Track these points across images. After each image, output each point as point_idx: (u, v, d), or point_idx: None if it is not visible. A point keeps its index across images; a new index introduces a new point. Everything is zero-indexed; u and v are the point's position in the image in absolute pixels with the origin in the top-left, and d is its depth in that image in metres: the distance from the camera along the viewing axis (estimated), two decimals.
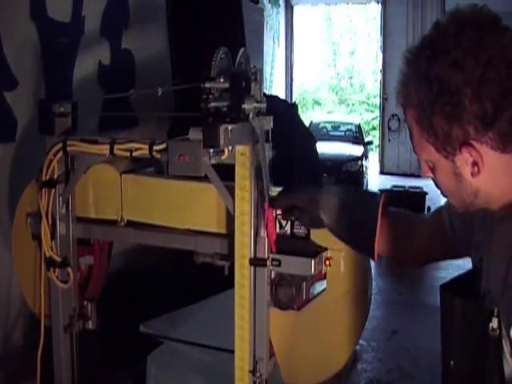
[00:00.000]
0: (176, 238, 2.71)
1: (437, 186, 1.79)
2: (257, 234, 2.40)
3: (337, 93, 34.08)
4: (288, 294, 2.48)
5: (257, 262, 2.41)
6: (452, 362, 1.83)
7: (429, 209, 10.36)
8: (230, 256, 2.51)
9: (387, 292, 8.85)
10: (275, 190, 2.44)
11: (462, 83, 1.56)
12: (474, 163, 1.62)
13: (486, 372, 1.71)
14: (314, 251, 2.46)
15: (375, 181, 17.20)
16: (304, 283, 2.50)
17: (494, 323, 1.66)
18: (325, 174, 11.83)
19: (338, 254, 2.49)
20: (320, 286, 2.56)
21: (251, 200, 2.32)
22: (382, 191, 11.17)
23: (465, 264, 1.99)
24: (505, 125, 1.57)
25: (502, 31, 1.62)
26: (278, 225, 2.49)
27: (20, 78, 3.56)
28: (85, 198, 2.87)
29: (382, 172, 20.21)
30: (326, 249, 2.48)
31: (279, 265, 2.42)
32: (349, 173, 15.27)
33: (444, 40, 1.61)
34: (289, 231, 2.50)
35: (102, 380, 3.27)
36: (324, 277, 2.54)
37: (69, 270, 2.81)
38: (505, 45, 1.59)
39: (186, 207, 2.71)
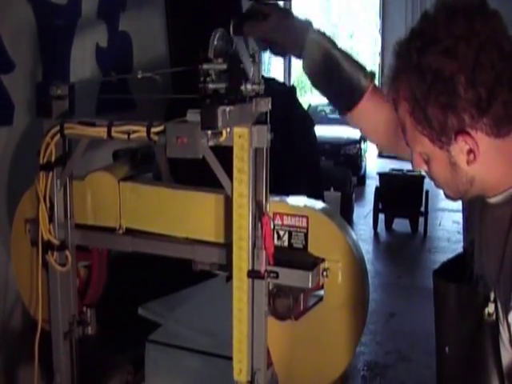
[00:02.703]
0: (174, 246, 2.72)
1: (430, 177, 1.78)
2: (255, 245, 2.41)
3: None
4: (286, 304, 2.49)
5: (255, 275, 2.42)
6: (447, 348, 1.84)
7: (427, 192, 10.36)
8: (228, 266, 2.52)
9: (385, 275, 8.87)
10: (274, 200, 2.49)
11: (455, 70, 1.55)
12: (470, 151, 1.61)
13: (482, 358, 1.72)
14: (312, 263, 2.47)
15: (373, 164, 17.21)
16: (302, 294, 2.51)
17: (491, 308, 1.67)
18: (323, 157, 11.82)
19: (335, 265, 2.50)
20: (317, 297, 2.58)
21: (249, 182, 2.32)
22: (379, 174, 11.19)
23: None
24: (499, 109, 1.56)
25: (491, 15, 1.62)
26: (275, 235, 2.50)
27: (16, 60, 3.53)
28: (83, 205, 2.87)
29: (381, 155, 20.17)
30: (323, 260, 2.49)
31: (277, 277, 2.44)
32: (347, 156, 15.28)
33: (434, 29, 1.60)
34: (286, 242, 2.52)
35: (100, 363, 3.26)
36: (321, 287, 2.54)
37: (67, 253, 2.81)
38: (495, 28, 1.59)
39: (184, 216, 2.71)
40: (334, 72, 2.12)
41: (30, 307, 3.07)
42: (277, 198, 2.59)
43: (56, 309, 2.87)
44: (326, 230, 2.51)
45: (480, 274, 1.75)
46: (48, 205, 2.74)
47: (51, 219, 2.76)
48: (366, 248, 10.31)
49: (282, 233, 2.53)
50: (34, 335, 2.83)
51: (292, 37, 2.10)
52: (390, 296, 8.06)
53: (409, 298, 7.78)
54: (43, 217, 2.73)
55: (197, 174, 2.73)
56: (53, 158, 2.69)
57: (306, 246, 2.51)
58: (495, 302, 1.65)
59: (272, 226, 2.46)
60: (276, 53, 2.18)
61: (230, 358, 2.55)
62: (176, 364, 3.28)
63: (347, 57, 2.16)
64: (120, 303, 3.31)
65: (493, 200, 1.72)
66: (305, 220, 2.50)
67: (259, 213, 2.39)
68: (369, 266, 7.62)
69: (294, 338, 2.63)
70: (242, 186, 2.33)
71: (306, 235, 2.51)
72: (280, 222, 2.53)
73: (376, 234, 11.24)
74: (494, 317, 1.66)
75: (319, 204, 2.67)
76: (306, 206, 2.59)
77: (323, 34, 2.18)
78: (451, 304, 1.82)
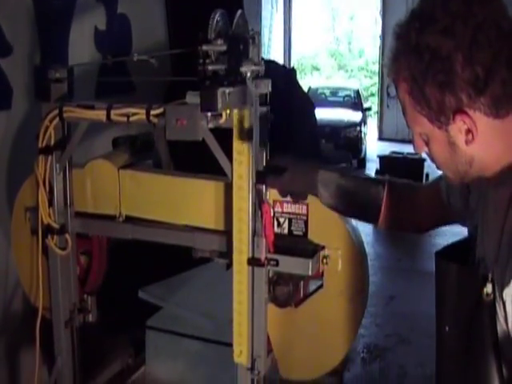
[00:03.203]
0: (174, 234, 2.72)
1: (431, 159, 1.78)
2: (255, 233, 2.41)
3: (335, 58, 33.99)
4: (286, 292, 2.50)
5: (255, 262, 2.42)
6: (447, 327, 1.84)
7: (427, 175, 10.37)
8: (228, 254, 2.52)
9: (386, 258, 8.88)
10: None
11: (452, 49, 1.55)
12: (468, 131, 1.61)
13: (479, 336, 1.73)
14: (312, 250, 2.47)
15: (374, 147, 17.21)
16: (301, 281, 2.51)
17: (488, 288, 1.67)
18: (323, 140, 11.81)
19: (335, 253, 2.50)
20: (317, 284, 2.58)
21: (249, 164, 2.31)
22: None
23: (463, 231, 1.98)
24: (497, 88, 1.56)
25: None
26: (275, 222, 2.50)
27: (14, 44, 3.51)
28: (83, 192, 2.88)
29: (381, 138, 20.21)
30: (323, 247, 2.49)
31: (277, 264, 2.44)
32: (347, 139, 15.25)
33: (432, 9, 1.60)
34: (286, 229, 2.52)
35: (101, 346, 3.27)
36: (321, 275, 2.54)
37: (67, 236, 2.80)
38: (494, 8, 1.59)
39: (184, 203, 2.71)
40: (350, 197, 2.31)
41: (31, 295, 3.08)
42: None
43: (57, 296, 2.87)
44: (326, 218, 2.51)
45: (481, 257, 1.76)
46: (47, 189, 2.73)
47: (51, 203, 2.76)
48: (366, 231, 10.29)
49: (281, 220, 2.53)
50: (35, 321, 2.84)
51: (306, 183, 2.32)
52: (390, 279, 8.07)
53: (409, 280, 7.79)
54: (43, 201, 2.73)
55: (197, 161, 2.73)
56: (52, 142, 2.69)
57: (305, 233, 2.52)
58: (493, 281, 1.66)
59: (272, 214, 2.45)
60: (296, 197, 2.42)
61: (230, 345, 2.56)
62: (176, 346, 3.28)
63: (357, 179, 2.37)
64: (120, 287, 3.31)
65: (492, 181, 1.72)
66: (305, 207, 2.50)
67: (259, 200, 2.38)
68: (369, 249, 7.62)
69: (294, 325, 2.64)
70: (241, 167, 2.32)
71: (305, 222, 2.51)
72: (280, 210, 2.53)
73: None
74: (492, 297, 1.66)
75: None
76: None
77: (333, 170, 2.36)
78: (452, 284, 1.83)
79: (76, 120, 2.62)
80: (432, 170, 9.74)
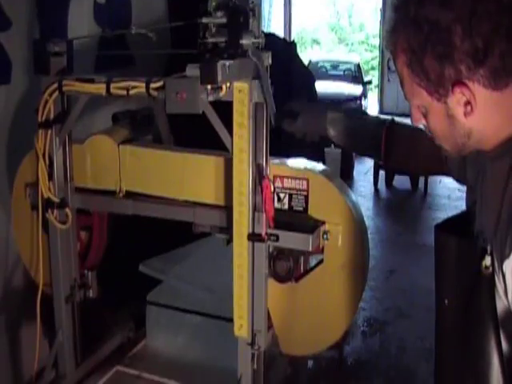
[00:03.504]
0: (175, 209, 2.73)
1: (429, 131, 1.78)
2: (255, 208, 2.41)
3: (336, 32, 33.83)
4: (286, 267, 2.52)
5: (255, 238, 2.43)
6: (446, 301, 1.85)
7: None
8: (228, 229, 2.53)
9: (386, 232, 8.89)
10: (274, 162, 2.52)
11: (451, 21, 1.54)
12: (467, 103, 1.61)
13: (478, 309, 1.73)
14: (312, 226, 2.48)
15: None
16: (302, 257, 2.52)
17: (487, 261, 1.67)
18: None
19: (335, 228, 2.51)
20: (317, 259, 2.60)
21: (249, 137, 2.31)
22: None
23: (463, 206, 1.98)
24: (496, 61, 1.55)
25: None
26: (275, 198, 2.50)
27: (13, 18, 3.48)
28: (83, 168, 2.88)
29: (381, 112, 20.15)
30: (323, 223, 2.50)
31: (277, 240, 2.44)
32: (348, 112, 15.19)
33: None
34: (287, 205, 2.52)
35: (101, 319, 3.28)
36: (322, 250, 2.55)
37: (67, 210, 2.81)
38: None
39: (184, 178, 2.72)
40: (356, 135, 2.53)
41: (31, 271, 3.09)
42: (277, 161, 2.59)
43: (57, 272, 2.89)
44: (327, 193, 2.51)
45: (480, 230, 1.76)
46: (47, 163, 2.73)
47: (51, 177, 2.76)
48: (367, 205, 10.32)
49: (282, 195, 2.54)
50: (36, 296, 2.85)
51: (317, 125, 2.56)
52: (390, 253, 8.09)
53: (409, 254, 7.80)
54: (43, 175, 2.73)
55: (197, 137, 2.72)
56: (51, 116, 2.68)
57: (306, 209, 2.52)
58: (492, 254, 1.66)
59: (272, 189, 2.45)
60: (310, 137, 2.60)
61: (231, 320, 2.57)
62: (176, 320, 3.29)
63: (361, 120, 2.64)
64: (120, 260, 3.31)
65: (491, 154, 1.72)
66: (305, 182, 2.51)
67: (259, 176, 2.38)
68: (369, 223, 7.63)
69: (295, 300, 2.66)
70: (242, 141, 2.32)
71: (306, 198, 2.52)
72: (280, 185, 2.54)
73: (376, 191, 11.25)
74: (491, 269, 1.67)
75: (319, 166, 2.67)
76: (306, 169, 2.59)
77: (340, 111, 2.60)
78: (451, 257, 1.83)
79: (75, 94, 2.62)
80: None
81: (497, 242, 1.65)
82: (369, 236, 2.64)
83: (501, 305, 1.69)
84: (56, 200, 2.77)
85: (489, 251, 1.67)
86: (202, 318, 3.23)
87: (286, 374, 3.09)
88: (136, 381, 3.13)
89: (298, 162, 2.66)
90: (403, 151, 2.42)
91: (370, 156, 2.73)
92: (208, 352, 3.20)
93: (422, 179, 10.92)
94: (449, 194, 10.41)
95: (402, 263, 7.58)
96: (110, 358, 3.26)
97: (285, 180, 2.54)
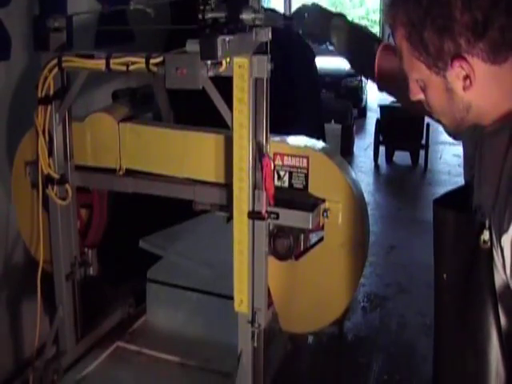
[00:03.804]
0: (175, 187, 2.74)
1: (428, 106, 1.78)
2: (255, 186, 2.41)
3: (336, 7, 33.63)
4: (286, 244, 2.52)
5: (255, 216, 2.44)
6: (445, 275, 1.86)
7: (428, 125, 10.31)
8: (228, 207, 2.53)
9: (386, 208, 8.89)
10: (275, 140, 2.50)
11: None
12: (466, 77, 1.61)
13: (477, 283, 1.74)
14: (312, 204, 2.49)
15: (374, 96, 17.09)
16: (302, 234, 2.52)
17: (486, 235, 1.68)
18: (324, 90, 11.74)
19: (335, 206, 2.52)
20: (317, 237, 2.61)
21: (249, 113, 2.30)
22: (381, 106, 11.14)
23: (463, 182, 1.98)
24: (495, 34, 1.55)
25: None
26: (276, 175, 2.50)
27: None
28: (83, 146, 2.88)
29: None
30: (323, 200, 2.50)
31: (277, 218, 2.45)
32: (348, 88, 15.14)
33: None
34: (287, 183, 2.52)
35: (102, 295, 3.29)
36: (322, 228, 2.55)
37: (67, 186, 2.81)
38: None
39: (184, 156, 2.72)
40: (354, 50, 2.52)
41: (32, 249, 3.10)
42: (277, 138, 2.59)
43: (57, 249, 2.89)
44: (327, 171, 2.52)
45: (478, 204, 1.76)
46: (47, 139, 2.73)
47: (50, 153, 2.76)
48: (367, 180, 10.32)
49: (282, 173, 2.54)
50: (36, 272, 2.85)
51: (322, 28, 2.58)
52: (391, 228, 8.09)
53: (409, 230, 7.80)
54: (42, 151, 2.73)
55: (198, 114, 2.72)
56: (51, 92, 2.68)
57: (306, 187, 2.53)
58: (490, 229, 1.67)
59: (272, 167, 2.45)
60: (313, 40, 2.77)
61: (231, 297, 2.58)
62: (177, 296, 3.30)
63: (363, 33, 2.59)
64: (121, 236, 3.32)
65: (489, 128, 1.72)
66: (305, 160, 2.51)
67: (259, 153, 2.38)
68: (369, 198, 7.64)
69: (295, 277, 2.66)
70: (242, 116, 2.32)
71: (306, 176, 2.52)
72: (280, 163, 2.54)
73: (377, 167, 11.23)
74: (489, 244, 1.67)
75: (320, 144, 2.66)
76: (306, 147, 2.59)
77: (344, 19, 2.59)
78: (449, 232, 1.84)
79: (75, 69, 2.61)
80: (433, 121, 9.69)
81: (495, 216, 1.65)
82: (369, 212, 2.64)
83: (499, 279, 1.70)
84: (56, 176, 2.77)
85: (487, 225, 1.68)
86: (202, 293, 3.24)
87: (287, 350, 3.10)
88: (136, 356, 3.14)
89: (298, 140, 2.66)
90: (396, 76, 2.34)
91: (365, 75, 2.63)
92: (208, 328, 3.21)
93: (422, 155, 10.91)
94: (449, 170, 10.41)
95: (403, 239, 7.58)
96: (110, 334, 3.27)
97: (285, 158, 2.54)
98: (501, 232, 1.62)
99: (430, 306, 1.98)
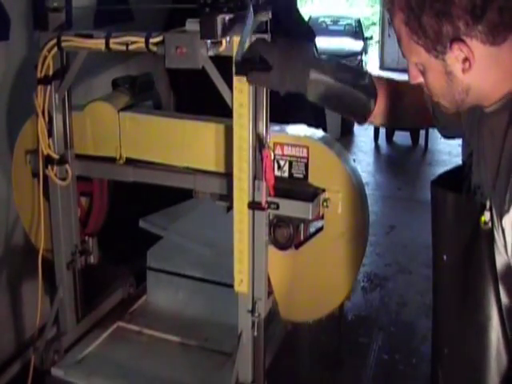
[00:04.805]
0: (175, 176, 2.74)
1: (427, 89, 1.78)
2: (255, 177, 2.41)
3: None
4: (286, 234, 2.52)
5: (255, 206, 2.44)
6: (444, 256, 1.86)
7: None
8: (229, 196, 2.53)
9: (386, 187, 8.89)
10: (274, 129, 2.51)
11: None
12: (465, 59, 1.61)
13: (478, 264, 1.74)
14: (312, 194, 2.49)
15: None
16: (302, 224, 2.52)
17: (486, 216, 1.68)
18: None
19: (335, 196, 2.52)
20: (318, 225, 2.62)
21: (249, 92, 2.29)
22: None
23: None
24: (494, 16, 1.54)
25: None
26: (276, 165, 2.49)
27: None
28: (83, 135, 2.88)
29: (382, 67, 20.06)
30: (323, 190, 2.50)
31: (277, 208, 2.45)
32: None
33: None
34: (287, 172, 2.52)
35: (102, 275, 3.29)
36: (322, 217, 2.56)
37: (67, 167, 2.80)
38: None
39: (185, 145, 2.72)
40: (339, 100, 2.26)
41: (32, 237, 3.11)
42: (277, 128, 2.58)
43: (58, 237, 2.90)
44: (327, 160, 2.52)
45: (477, 185, 1.77)
46: (47, 120, 2.72)
47: (50, 134, 2.75)
48: (367, 160, 10.31)
49: (282, 163, 2.54)
50: (37, 254, 2.86)
51: (295, 83, 2.19)
52: (391, 208, 8.08)
53: (409, 210, 7.80)
54: (42, 131, 2.72)
55: (199, 104, 2.71)
56: (51, 72, 2.67)
57: (306, 176, 2.52)
58: (491, 209, 1.67)
59: (272, 157, 2.45)
60: (282, 93, 2.21)
61: (229, 286, 2.60)
62: (177, 276, 3.30)
63: (347, 86, 2.25)
64: (121, 216, 3.32)
65: (489, 109, 1.72)
66: (305, 150, 2.51)
67: (259, 144, 2.39)
68: (369, 178, 7.63)
69: (295, 267, 2.67)
70: (242, 95, 2.31)
71: (306, 165, 2.52)
72: (280, 152, 2.54)
73: (377, 147, 11.22)
74: (490, 225, 1.67)
75: (319, 133, 2.66)
76: (306, 136, 2.59)
77: (325, 68, 2.22)
78: (449, 213, 1.84)
79: (75, 49, 2.60)
80: None
81: (495, 197, 1.65)
82: (369, 192, 2.64)
83: (500, 260, 1.70)
84: (55, 156, 2.76)
85: (488, 207, 1.68)
86: (202, 273, 3.25)
87: (287, 330, 3.11)
88: (137, 336, 3.15)
89: (298, 130, 2.66)
90: (388, 106, 2.33)
91: (352, 118, 2.38)
92: (208, 307, 3.22)
93: (422, 135, 10.90)
94: (449, 150, 10.39)
95: (403, 219, 7.58)
96: (110, 314, 3.28)
97: (285, 147, 2.54)
98: (502, 213, 1.62)
99: (430, 285, 1.98)
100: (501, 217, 1.62)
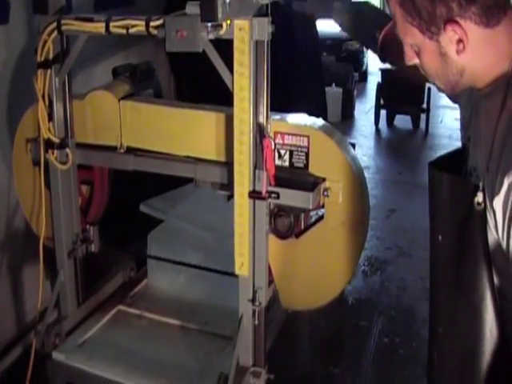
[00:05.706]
0: (176, 165, 2.75)
1: (423, 70, 1.80)
2: (256, 166, 2.41)
3: None
4: (286, 223, 2.54)
5: (256, 195, 2.44)
6: (440, 237, 1.88)
7: (429, 89, 10.27)
8: (229, 186, 2.53)
9: (386, 171, 8.89)
10: (275, 118, 2.50)
11: None
12: (459, 40, 1.63)
13: (471, 244, 1.76)
14: (312, 183, 2.49)
15: (375, 59, 17.08)
16: (302, 213, 2.54)
17: (479, 197, 1.70)
18: (324, 53, 11.70)
19: (336, 185, 2.52)
20: (319, 214, 2.63)
21: (250, 76, 2.29)
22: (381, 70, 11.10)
23: None
24: None
25: None
26: (276, 154, 2.49)
27: None
28: (84, 124, 2.88)
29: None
30: (324, 179, 2.50)
31: (278, 197, 2.46)
32: (349, 52, 15.08)
33: None
34: (287, 162, 2.52)
35: (103, 259, 3.30)
36: (322, 206, 2.56)
37: (67, 151, 2.80)
38: None
39: (185, 134, 2.72)
40: (356, 28, 2.60)
41: (33, 225, 3.11)
42: (277, 117, 2.58)
43: (59, 226, 2.91)
44: (327, 150, 2.52)
45: (473, 167, 1.79)
46: (47, 103, 2.72)
47: (50, 118, 2.74)
48: (368, 144, 10.31)
49: (282, 152, 2.54)
50: (38, 239, 2.87)
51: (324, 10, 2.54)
52: (391, 192, 8.09)
53: (409, 194, 7.80)
54: (42, 115, 2.72)
55: (200, 91, 2.71)
56: (51, 56, 2.66)
57: (306, 166, 2.53)
58: (483, 191, 1.69)
59: (273, 146, 2.45)
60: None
61: (229, 274, 2.62)
62: (177, 259, 3.31)
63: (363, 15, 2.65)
64: (121, 200, 3.32)
65: (483, 91, 1.74)
66: (306, 139, 2.51)
67: (260, 133, 2.38)
68: (370, 162, 7.65)
69: (295, 256, 2.67)
70: (242, 79, 2.30)
71: (307, 154, 2.52)
72: (281, 141, 2.54)
73: (377, 130, 11.22)
74: (483, 206, 1.69)
75: (320, 122, 2.66)
76: (307, 125, 2.59)
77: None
78: (444, 194, 1.86)
79: (75, 33, 2.59)
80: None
81: (488, 178, 1.67)
82: (369, 175, 2.65)
83: (492, 239, 1.72)
84: (56, 140, 2.76)
85: (481, 188, 1.69)
86: (203, 256, 3.25)
87: (287, 314, 3.11)
88: (137, 320, 3.16)
89: (299, 119, 2.66)
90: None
91: (369, 47, 2.70)
92: (208, 291, 3.23)
93: (423, 119, 10.89)
94: (450, 134, 10.39)
95: (403, 202, 7.59)
96: (111, 298, 3.29)
97: (285, 137, 2.54)
98: (493, 194, 1.64)
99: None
100: (492, 198, 1.65)
